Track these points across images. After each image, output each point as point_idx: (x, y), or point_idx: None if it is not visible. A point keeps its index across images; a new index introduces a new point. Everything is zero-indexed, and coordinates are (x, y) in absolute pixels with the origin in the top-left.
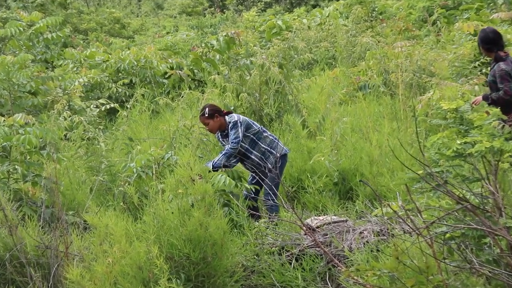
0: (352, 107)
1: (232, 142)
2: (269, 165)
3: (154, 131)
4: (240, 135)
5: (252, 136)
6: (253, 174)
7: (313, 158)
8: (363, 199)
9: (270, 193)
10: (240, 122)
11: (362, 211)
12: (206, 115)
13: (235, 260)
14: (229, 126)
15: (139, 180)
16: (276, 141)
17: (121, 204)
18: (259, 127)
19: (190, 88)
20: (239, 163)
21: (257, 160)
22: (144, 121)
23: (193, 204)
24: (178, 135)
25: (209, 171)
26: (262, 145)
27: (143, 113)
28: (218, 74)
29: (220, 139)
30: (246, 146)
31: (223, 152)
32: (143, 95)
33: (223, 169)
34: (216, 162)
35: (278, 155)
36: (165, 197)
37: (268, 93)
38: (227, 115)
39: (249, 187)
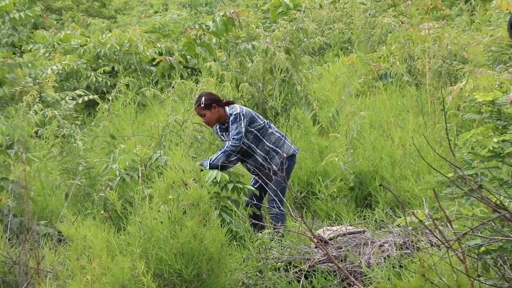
0: (371, 99)
1: (233, 138)
2: (274, 167)
3: (140, 127)
4: (243, 130)
5: (256, 131)
6: (256, 177)
7: (325, 159)
8: (383, 206)
9: (275, 199)
10: (243, 114)
11: (383, 221)
12: (202, 105)
13: (235, 278)
14: (230, 118)
15: (123, 184)
16: (283, 139)
17: (102, 213)
18: (264, 122)
19: (182, 77)
20: (240, 163)
21: (260, 160)
22: (129, 116)
23: (185, 212)
24: (168, 132)
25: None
26: (267, 143)
27: (127, 106)
28: (215, 61)
29: (219, 134)
30: (249, 143)
31: (223, 150)
32: (127, 85)
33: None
34: (213, 160)
35: (284, 155)
36: (153, 204)
37: (273, 83)
38: (227, 106)
39: (251, 189)
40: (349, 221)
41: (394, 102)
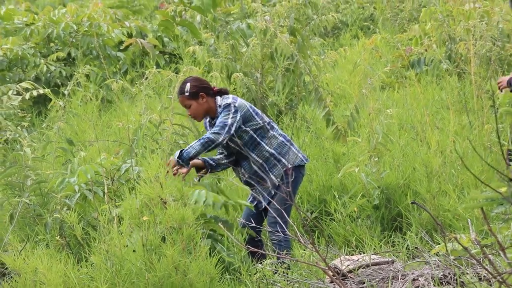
0: (400, 93)
1: (216, 126)
2: (274, 179)
3: (105, 130)
4: (230, 121)
5: (252, 132)
6: (253, 192)
7: (342, 170)
8: (417, 230)
9: (279, 221)
10: (235, 106)
11: (416, 248)
12: (187, 93)
13: None
14: (218, 110)
15: (84, 202)
16: (288, 144)
17: (57, 239)
18: (264, 121)
19: (158, 65)
20: (232, 169)
21: (256, 168)
22: (90, 115)
23: (164, 238)
24: (141, 136)
25: (178, 164)
26: (267, 148)
27: (88, 102)
28: (200, 45)
29: (208, 130)
30: (242, 145)
31: (200, 138)
32: (87, 75)
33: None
34: (187, 150)
35: (289, 165)
36: (123, 227)
37: (275, 72)
38: (219, 95)
39: (247, 205)
40: (374, 249)
41: (430, 97)
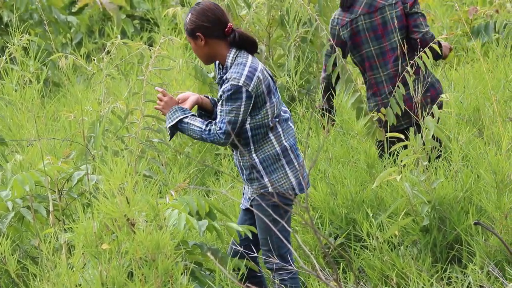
0: (459, 72)
1: (221, 125)
2: (268, 184)
3: (50, 124)
4: (233, 118)
5: (248, 128)
6: (247, 204)
7: (378, 178)
8: (482, 261)
9: (273, 247)
10: (248, 91)
11: (481, 287)
12: (186, 27)
13: None
14: (227, 76)
15: (20, 225)
16: (284, 160)
17: None
18: (273, 114)
19: (124, 34)
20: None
21: (246, 172)
22: (30, 103)
23: (132, 274)
24: (101, 133)
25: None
26: (252, 155)
27: (26, 86)
28: (183, 6)
29: (217, 78)
30: (245, 131)
31: (205, 128)
32: (25, 48)
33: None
34: (185, 126)
35: (270, 188)
36: (74, 260)
37: (286, 44)
38: (235, 46)
39: (240, 230)
40: (422, 287)
41: (501, 76)
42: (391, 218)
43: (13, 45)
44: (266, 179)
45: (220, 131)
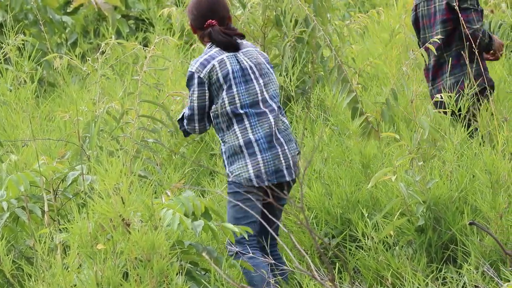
0: None
1: (185, 109)
2: (229, 174)
3: (45, 125)
4: (188, 111)
5: (221, 107)
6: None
7: (374, 178)
8: (477, 261)
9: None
10: (200, 77)
11: (476, 287)
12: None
13: None
14: None
15: (15, 225)
16: (244, 152)
17: None
18: (234, 106)
19: (119, 34)
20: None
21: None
22: (24, 103)
23: (127, 274)
24: (96, 133)
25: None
26: (239, 137)
27: (21, 86)
28: (177, 6)
29: None
30: (211, 120)
31: (178, 120)
32: (20, 48)
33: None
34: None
35: (231, 177)
36: (69, 260)
37: (281, 44)
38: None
39: (236, 231)
40: (418, 287)
41: (496, 76)
42: (386, 218)
43: (8, 45)
44: (228, 168)
45: (185, 118)
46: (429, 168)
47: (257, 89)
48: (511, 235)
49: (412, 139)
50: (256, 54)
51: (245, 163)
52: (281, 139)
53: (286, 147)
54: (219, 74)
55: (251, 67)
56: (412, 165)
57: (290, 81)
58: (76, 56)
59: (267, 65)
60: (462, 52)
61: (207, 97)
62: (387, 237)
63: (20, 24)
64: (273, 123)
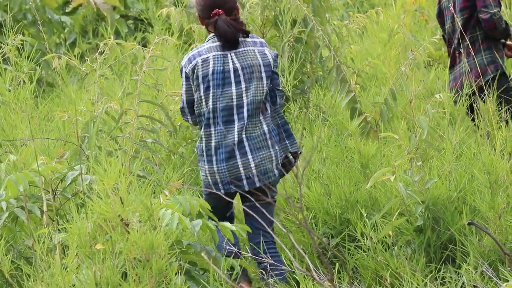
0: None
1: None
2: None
3: (44, 124)
4: (183, 97)
5: (198, 106)
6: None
7: (372, 178)
8: (476, 261)
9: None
10: (185, 73)
11: (475, 287)
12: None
13: None
14: None
15: (14, 225)
16: (204, 156)
17: None
18: (207, 106)
19: (118, 34)
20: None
21: None
22: (23, 103)
23: (126, 274)
24: (95, 133)
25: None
26: (203, 141)
27: (20, 86)
28: (176, 5)
29: None
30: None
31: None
32: (19, 49)
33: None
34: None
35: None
36: (68, 260)
37: (280, 44)
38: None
39: (234, 229)
40: (417, 287)
41: None
42: (385, 218)
43: (7, 45)
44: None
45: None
46: (428, 168)
47: (234, 93)
48: (510, 235)
49: (411, 139)
50: (253, 55)
51: (204, 168)
52: (246, 148)
53: (250, 157)
54: (199, 73)
55: (236, 70)
56: (411, 165)
57: (287, 81)
58: (75, 56)
59: (263, 68)
60: (478, 39)
61: (193, 92)
62: (386, 237)
63: (19, 24)
64: (236, 134)
